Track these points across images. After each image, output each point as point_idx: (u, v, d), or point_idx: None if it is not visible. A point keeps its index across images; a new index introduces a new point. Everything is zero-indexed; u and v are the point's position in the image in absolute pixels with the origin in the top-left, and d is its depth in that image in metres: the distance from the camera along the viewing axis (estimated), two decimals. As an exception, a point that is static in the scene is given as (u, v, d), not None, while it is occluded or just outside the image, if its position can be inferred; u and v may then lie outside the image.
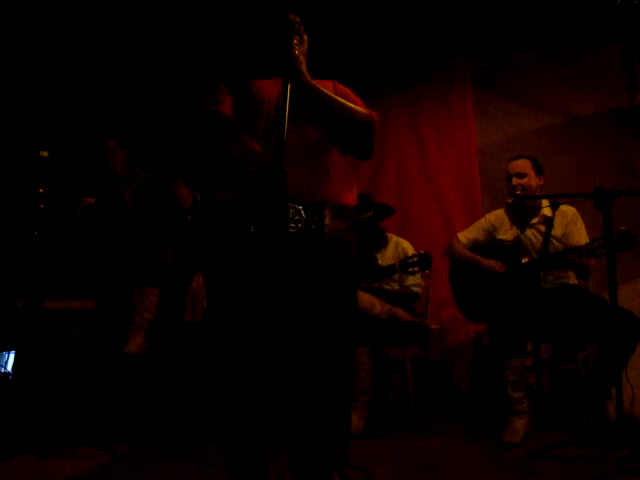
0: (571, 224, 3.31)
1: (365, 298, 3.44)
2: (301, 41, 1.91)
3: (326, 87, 1.92)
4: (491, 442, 3.01)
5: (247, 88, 2.00)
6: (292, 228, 1.81)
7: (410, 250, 3.70)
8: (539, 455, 2.68)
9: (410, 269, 3.49)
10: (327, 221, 1.85)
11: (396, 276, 3.66)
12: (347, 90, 2.00)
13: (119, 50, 4.34)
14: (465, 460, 2.82)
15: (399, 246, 3.75)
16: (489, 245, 3.45)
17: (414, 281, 3.69)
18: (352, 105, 1.88)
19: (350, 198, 1.93)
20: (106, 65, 4.42)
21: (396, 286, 3.70)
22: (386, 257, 3.71)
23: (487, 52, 4.45)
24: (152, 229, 3.67)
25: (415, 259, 3.48)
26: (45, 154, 3.30)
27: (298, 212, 1.82)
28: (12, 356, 3.64)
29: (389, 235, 3.80)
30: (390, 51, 4.44)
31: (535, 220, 3.37)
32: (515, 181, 3.32)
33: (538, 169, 3.37)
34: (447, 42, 4.39)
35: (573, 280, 3.36)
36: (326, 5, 3.84)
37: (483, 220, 3.56)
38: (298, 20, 1.94)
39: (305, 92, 1.79)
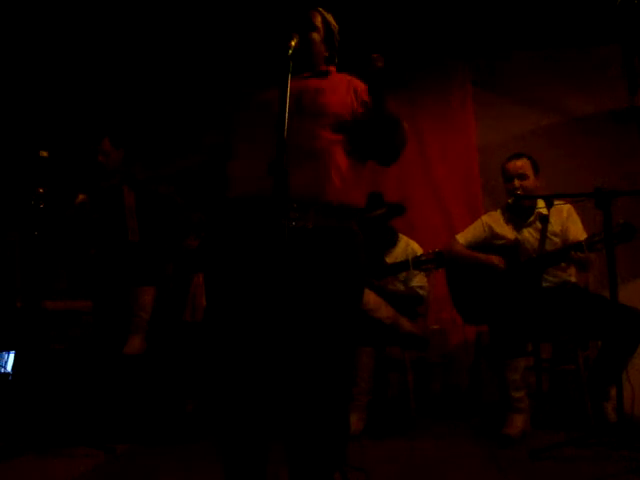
0: (567, 219, 3.33)
1: (372, 299, 3.43)
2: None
3: (341, 81, 1.97)
4: (491, 442, 3.01)
5: (252, 94, 2.01)
6: (293, 227, 1.80)
7: (420, 252, 3.70)
8: (539, 455, 2.68)
9: (424, 266, 3.49)
10: (329, 220, 1.85)
11: (402, 275, 3.66)
12: (361, 83, 2.02)
13: (118, 50, 4.34)
14: (465, 460, 2.82)
15: (409, 247, 3.75)
16: (488, 246, 3.45)
17: (420, 282, 3.69)
18: (403, 124, 1.92)
19: (355, 197, 1.93)
20: (105, 65, 4.42)
21: (401, 287, 3.70)
22: (395, 256, 3.71)
23: (487, 52, 4.44)
24: (151, 230, 3.67)
25: (430, 256, 3.48)
26: (45, 154, 3.30)
27: (299, 211, 1.81)
28: (12, 356, 3.64)
29: (400, 235, 3.81)
30: (390, 52, 4.42)
31: (531, 219, 3.38)
32: (517, 183, 3.31)
33: (536, 169, 3.37)
34: (447, 43, 4.39)
35: (574, 278, 3.36)
36: (326, 6, 3.83)
37: (479, 222, 3.56)
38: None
39: (381, 107, 1.84)
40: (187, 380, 3.50)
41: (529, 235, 3.36)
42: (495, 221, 3.49)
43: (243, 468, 1.86)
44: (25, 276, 3.66)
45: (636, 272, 3.91)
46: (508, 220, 3.44)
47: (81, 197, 3.76)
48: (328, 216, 1.84)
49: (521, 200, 3.30)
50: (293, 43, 1.76)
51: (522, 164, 3.35)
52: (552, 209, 3.23)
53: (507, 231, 3.42)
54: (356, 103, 1.96)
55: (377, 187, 4.02)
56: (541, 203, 3.34)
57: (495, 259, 3.33)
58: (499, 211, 3.51)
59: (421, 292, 3.69)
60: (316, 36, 2.02)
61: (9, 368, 3.61)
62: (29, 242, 3.45)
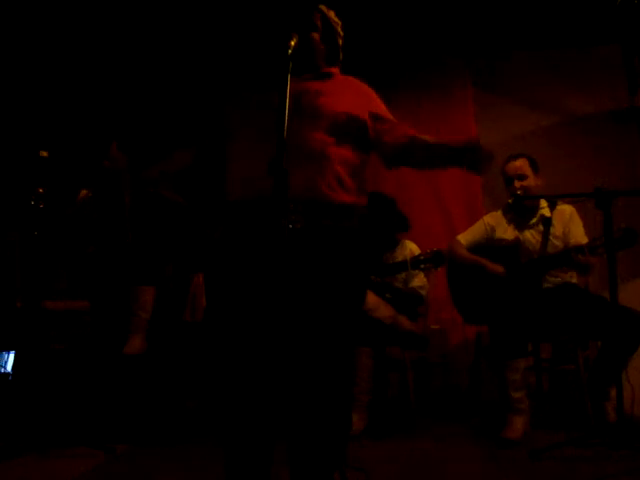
0: (570, 222, 3.32)
1: (371, 299, 3.43)
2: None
3: (345, 83, 1.97)
4: (491, 442, 3.01)
5: (251, 96, 2.01)
6: (292, 227, 1.80)
7: (418, 252, 3.70)
8: (539, 455, 2.68)
9: (422, 266, 3.49)
10: (326, 220, 1.85)
11: (402, 276, 3.66)
12: (371, 91, 2.03)
13: (119, 50, 4.34)
14: (465, 460, 2.82)
15: (407, 248, 3.76)
16: (490, 247, 3.45)
17: (419, 283, 3.69)
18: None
19: (354, 198, 1.93)
20: (106, 65, 4.42)
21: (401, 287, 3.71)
22: (393, 257, 3.72)
23: (487, 52, 4.44)
24: (152, 231, 3.67)
25: (428, 256, 3.48)
26: (45, 154, 3.30)
27: (297, 211, 1.82)
28: (12, 356, 3.64)
29: (398, 236, 3.81)
30: (390, 52, 4.43)
31: (534, 220, 3.37)
32: (517, 184, 3.30)
33: (535, 168, 3.36)
34: (447, 43, 4.39)
35: (575, 279, 3.36)
36: (326, 5, 3.84)
37: (481, 222, 3.55)
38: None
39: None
40: (187, 380, 3.50)
41: (530, 236, 3.35)
42: (497, 222, 3.48)
43: (246, 469, 1.86)
44: (25, 276, 3.66)
45: (636, 273, 3.91)
46: (510, 220, 3.44)
47: (84, 193, 3.75)
48: (325, 216, 1.84)
49: (521, 201, 3.30)
50: (293, 43, 1.76)
51: (520, 164, 3.34)
52: (555, 211, 3.23)
53: (509, 232, 3.41)
54: (363, 108, 1.95)
55: (377, 187, 4.02)
56: (544, 202, 3.33)
57: (501, 270, 3.32)
58: (500, 212, 3.51)
59: (421, 292, 3.69)
60: (317, 35, 2.01)
61: (9, 368, 3.61)
62: (29, 242, 3.45)
